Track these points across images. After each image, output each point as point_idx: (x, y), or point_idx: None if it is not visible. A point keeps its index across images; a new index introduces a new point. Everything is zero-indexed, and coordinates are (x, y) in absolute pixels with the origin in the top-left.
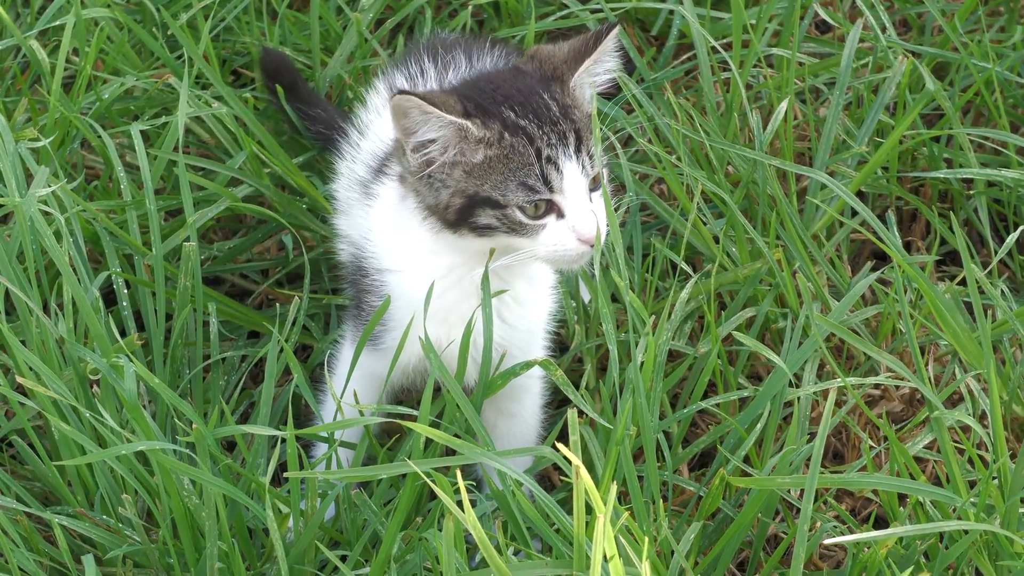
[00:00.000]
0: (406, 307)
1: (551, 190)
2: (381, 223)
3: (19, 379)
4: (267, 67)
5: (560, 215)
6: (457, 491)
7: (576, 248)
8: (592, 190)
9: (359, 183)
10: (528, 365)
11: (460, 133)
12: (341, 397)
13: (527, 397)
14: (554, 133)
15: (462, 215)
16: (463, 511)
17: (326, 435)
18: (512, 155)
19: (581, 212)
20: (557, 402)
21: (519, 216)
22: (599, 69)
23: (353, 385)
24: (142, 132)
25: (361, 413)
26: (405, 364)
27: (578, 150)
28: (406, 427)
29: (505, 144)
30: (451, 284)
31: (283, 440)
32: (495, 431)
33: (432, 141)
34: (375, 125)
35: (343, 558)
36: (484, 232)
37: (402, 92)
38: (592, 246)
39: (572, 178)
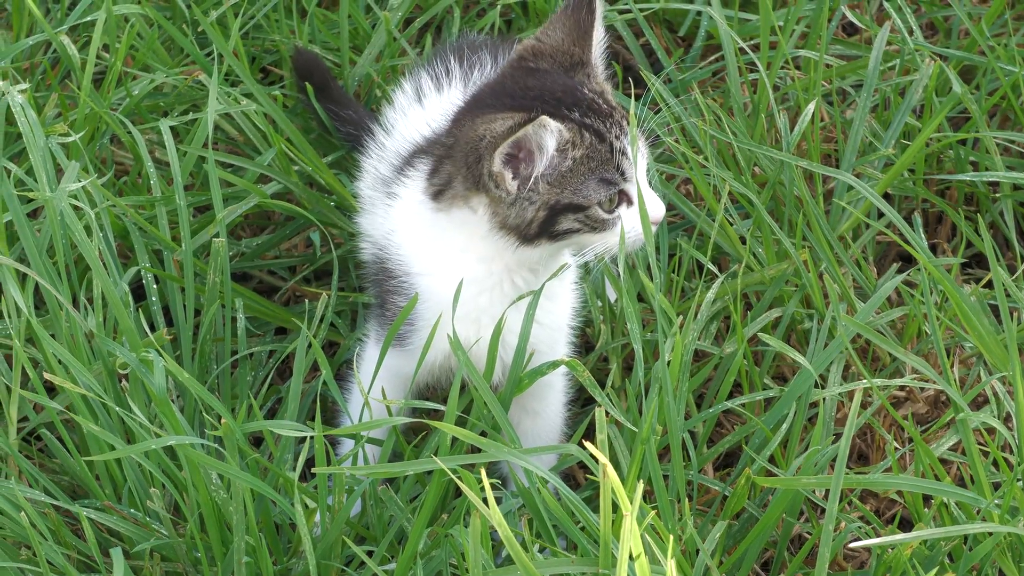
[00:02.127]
0: (436, 308)
1: (625, 179)
2: (407, 225)
3: (47, 375)
4: (299, 67)
5: (629, 203)
6: (483, 488)
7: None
8: None
9: (382, 182)
10: (555, 365)
11: (559, 142)
12: (368, 393)
13: (552, 394)
14: (613, 123)
15: (544, 227)
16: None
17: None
18: (592, 153)
19: (648, 196)
20: (583, 400)
21: (600, 213)
22: (599, 37)
23: (379, 383)
24: (172, 128)
25: (388, 409)
26: (432, 363)
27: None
28: (435, 422)
29: (586, 143)
30: (489, 287)
31: (311, 436)
32: (519, 428)
33: (534, 159)
34: (400, 124)
35: (369, 553)
36: (562, 237)
37: (534, 120)
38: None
39: (638, 164)
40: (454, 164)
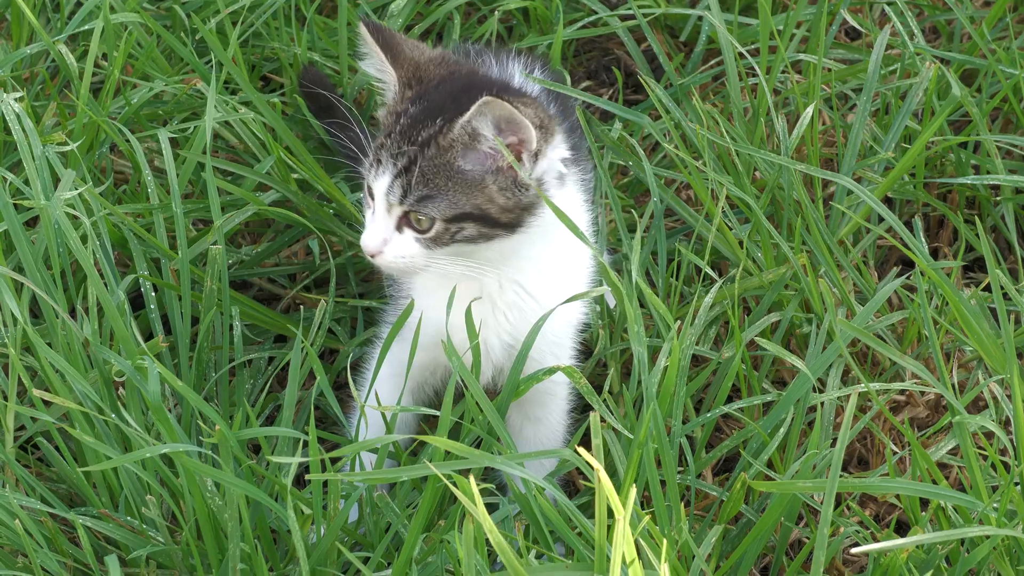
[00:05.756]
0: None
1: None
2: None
3: (37, 392)
4: (306, 85)
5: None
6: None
7: None
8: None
9: None
10: (551, 371)
11: None
12: (364, 403)
13: (554, 402)
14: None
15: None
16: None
17: (350, 438)
18: None
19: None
20: (583, 407)
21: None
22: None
23: (381, 383)
24: (173, 137)
25: (384, 415)
26: (434, 361)
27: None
28: (424, 436)
29: None
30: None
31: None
32: (521, 435)
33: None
34: None
35: (365, 560)
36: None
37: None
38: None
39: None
40: None
